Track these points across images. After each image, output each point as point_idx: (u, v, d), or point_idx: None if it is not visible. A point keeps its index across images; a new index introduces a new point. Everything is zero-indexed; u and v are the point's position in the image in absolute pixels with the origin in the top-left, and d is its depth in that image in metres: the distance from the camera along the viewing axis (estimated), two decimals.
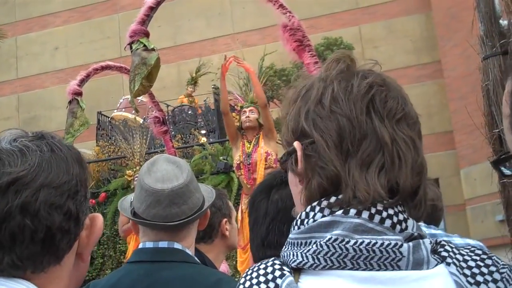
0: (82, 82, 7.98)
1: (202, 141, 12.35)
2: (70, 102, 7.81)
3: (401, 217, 1.12)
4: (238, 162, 7.09)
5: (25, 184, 1.11)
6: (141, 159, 10.45)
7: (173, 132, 12.13)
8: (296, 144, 1.19)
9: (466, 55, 17.86)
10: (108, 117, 14.00)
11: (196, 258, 2.26)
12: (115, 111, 14.48)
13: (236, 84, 8.58)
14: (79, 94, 7.86)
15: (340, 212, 1.11)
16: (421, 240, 1.11)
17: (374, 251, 1.07)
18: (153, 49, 5.89)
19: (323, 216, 1.13)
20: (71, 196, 1.15)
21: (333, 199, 1.13)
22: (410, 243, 1.09)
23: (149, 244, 2.21)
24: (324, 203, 1.14)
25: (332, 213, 1.12)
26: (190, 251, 2.24)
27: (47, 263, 1.13)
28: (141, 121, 13.12)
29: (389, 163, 1.12)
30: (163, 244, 2.19)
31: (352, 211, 1.11)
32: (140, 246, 2.24)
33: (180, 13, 21.81)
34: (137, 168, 8.96)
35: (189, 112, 13.50)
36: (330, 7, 20.97)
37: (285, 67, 15.30)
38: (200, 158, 11.32)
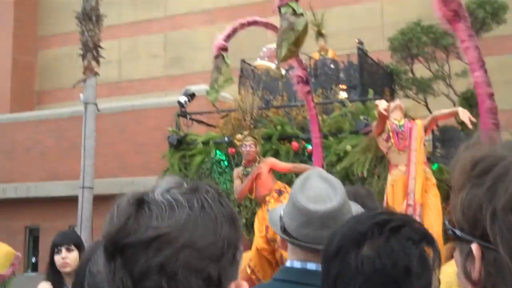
0: (228, 37, 8.08)
1: (342, 98, 12.22)
2: (216, 57, 7.97)
3: None
4: (387, 134, 7.52)
5: (168, 242, 1.06)
6: (251, 121, 10.40)
7: (314, 86, 12.07)
8: (475, 249, 1.04)
9: None
10: (251, 65, 14.12)
11: None
12: (258, 59, 14.55)
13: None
14: (225, 49, 7.97)
15: None
16: None
17: None
18: (301, 14, 5.87)
19: None
20: (215, 260, 1.08)
21: None
22: None
23: (297, 264, 2.19)
24: None
25: None
26: None
27: None
28: (283, 72, 13.14)
29: None
30: (311, 266, 2.16)
31: None
32: (288, 264, 2.24)
33: None
34: (246, 132, 8.75)
35: (331, 66, 13.34)
36: None
37: (433, 23, 14.71)
38: (339, 115, 11.23)
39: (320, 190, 2.18)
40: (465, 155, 1.09)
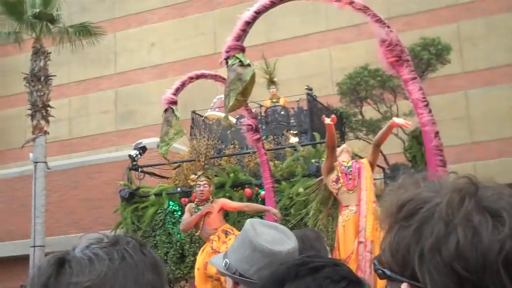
0: (177, 91, 8.15)
1: (293, 143, 12.29)
2: (165, 110, 8.00)
3: None
4: (336, 175, 7.54)
5: None
6: (205, 161, 10.46)
7: (265, 133, 12.13)
8: None
9: None
10: (202, 116, 14.13)
11: None
12: (209, 110, 14.60)
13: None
14: (174, 103, 8.04)
15: None
16: None
17: None
18: (248, 65, 5.91)
19: None
20: None
21: None
22: None
23: None
24: None
25: None
26: None
27: None
28: (234, 121, 13.18)
29: None
30: None
31: None
32: None
33: (274, 9, 21.78)
34: (200, 172, 8.76)
35: (282, 112, 13.45)
36: (428, 3, 20.41)
37: (379, 67, 15.03)
38: (292, 160, 11.29)
39: (272, 234, 2.21)
40: (391, 197, 1.10)
